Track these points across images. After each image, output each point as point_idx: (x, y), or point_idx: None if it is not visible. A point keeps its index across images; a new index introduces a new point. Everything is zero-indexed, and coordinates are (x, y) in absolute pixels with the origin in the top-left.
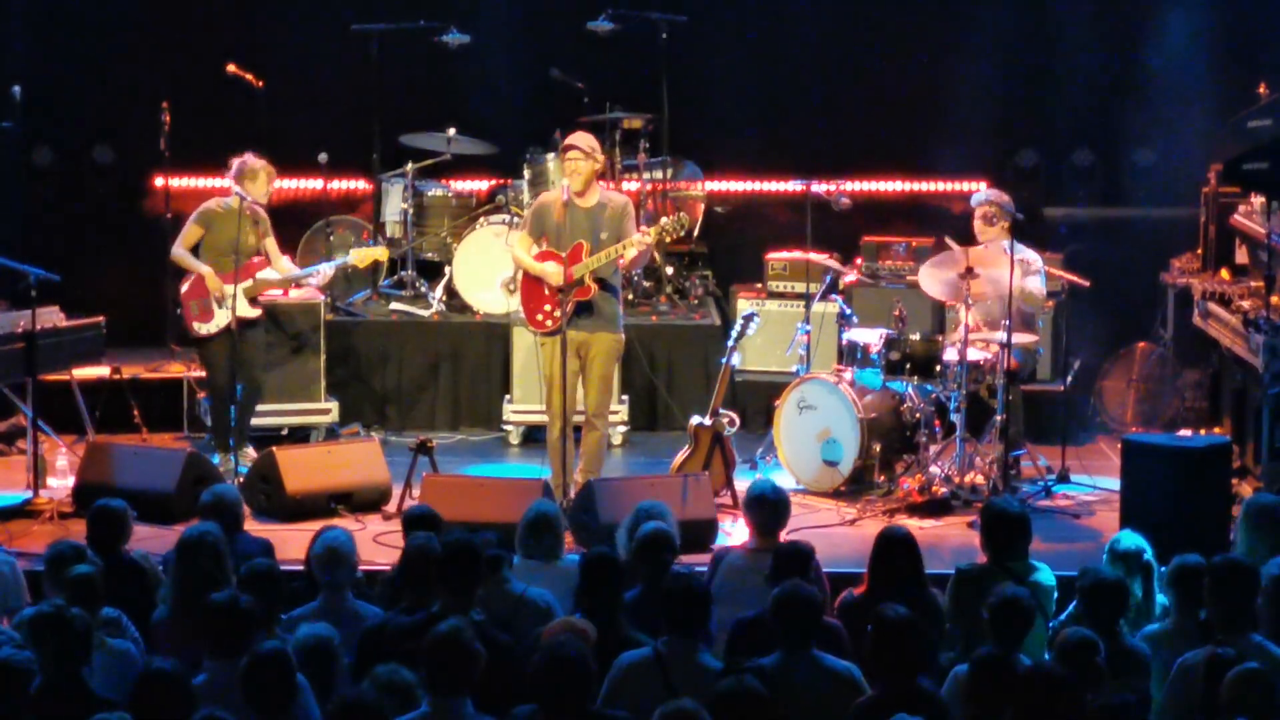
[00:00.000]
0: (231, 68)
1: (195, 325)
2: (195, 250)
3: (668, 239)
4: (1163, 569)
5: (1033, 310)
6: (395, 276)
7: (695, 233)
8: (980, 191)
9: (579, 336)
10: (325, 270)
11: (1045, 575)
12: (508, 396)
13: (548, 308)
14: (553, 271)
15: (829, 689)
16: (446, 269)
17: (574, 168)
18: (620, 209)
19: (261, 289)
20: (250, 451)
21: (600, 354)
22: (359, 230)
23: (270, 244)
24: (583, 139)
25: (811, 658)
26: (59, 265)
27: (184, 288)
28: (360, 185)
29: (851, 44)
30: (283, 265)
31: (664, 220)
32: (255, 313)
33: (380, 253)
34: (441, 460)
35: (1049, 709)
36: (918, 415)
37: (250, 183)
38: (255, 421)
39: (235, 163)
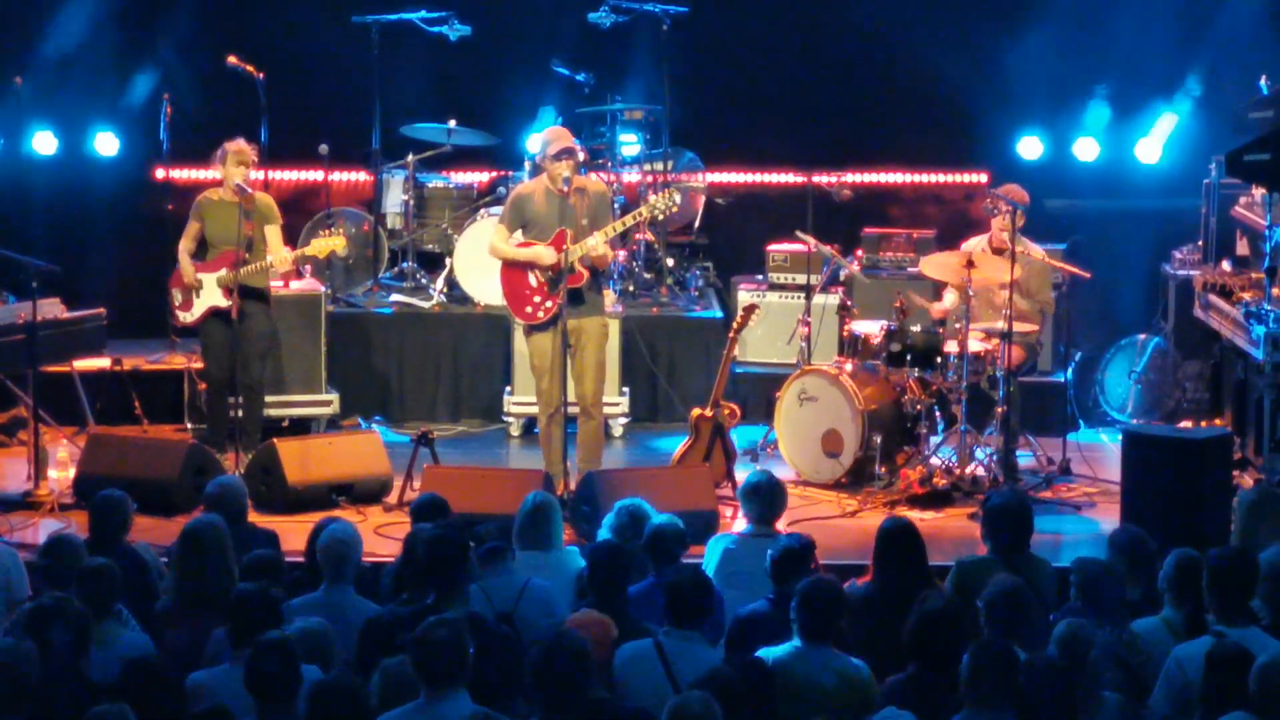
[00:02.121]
0: (232, 59)
1: (178, 313)
2: (201, 243)
3: (660, 216)
4: (1162, 561)
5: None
6: (396, 268)
7: (696, 224)
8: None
9: (569, 324)
10: (284, 257)
11: (1045, 567)
12: (508, 388)
13: (537, 299)
14: (545, 253)
15: (833, 682)
16: (447, 260)
17: (570, 169)
18: (598, 194)
19: (247, 279)
20: None
21: (592, 339)
22: (360, 221)
23: (270, 232)
24: (569, 136)
25: (824, 651)
26: (60, 257)
27: (172, 275)
28: (361, 177)
29: (852, 35)
30: (279, 256)
31: (653, 198)
32: (226, 303)
33: (337, 243)
34: (442, 451)
35: (1047, 699)
36: (918, 407)
37: (220, 167)
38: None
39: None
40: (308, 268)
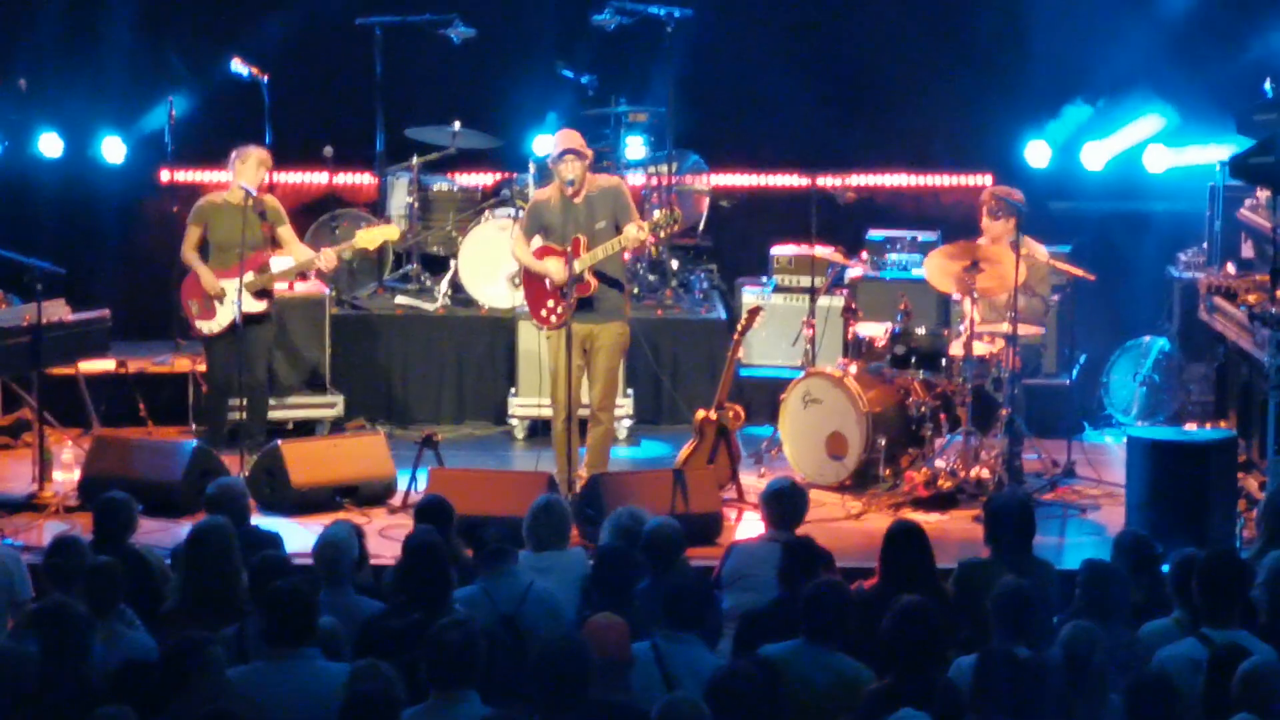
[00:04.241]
0: (237, 61)
1: (199, 324)
2: (204, 248)
3: (662, 234)
4: (1166, 564)
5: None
6: (400, 270)
7: (701, 227)
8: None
9: (583, 329)
10: (327, 254)
11: (1048, 569)
12: (513, 390)
13: (551, 304)
14: (554, 268)
15: (838, 686)
16: (452, 263)
17: (572, 169)
18: (612, 194)
19: (269, 282)
20: None
21: (605, 346)
22: (364, 224)
23: (284, 233)
24: (574, 139)
25: (825, 653)
26: (65, 259)
27: (183, 287)
28: (365, 179)
29: (856, 37)
30: (299, 253)
31: (656, 214)
32: (260, 306)
33: (391, 231)
34: (447, 454)
35: (1051, 701)
36: (923, 409)
37: (240, 166)
38: None
39: (232, 153)
40: (313, 270)
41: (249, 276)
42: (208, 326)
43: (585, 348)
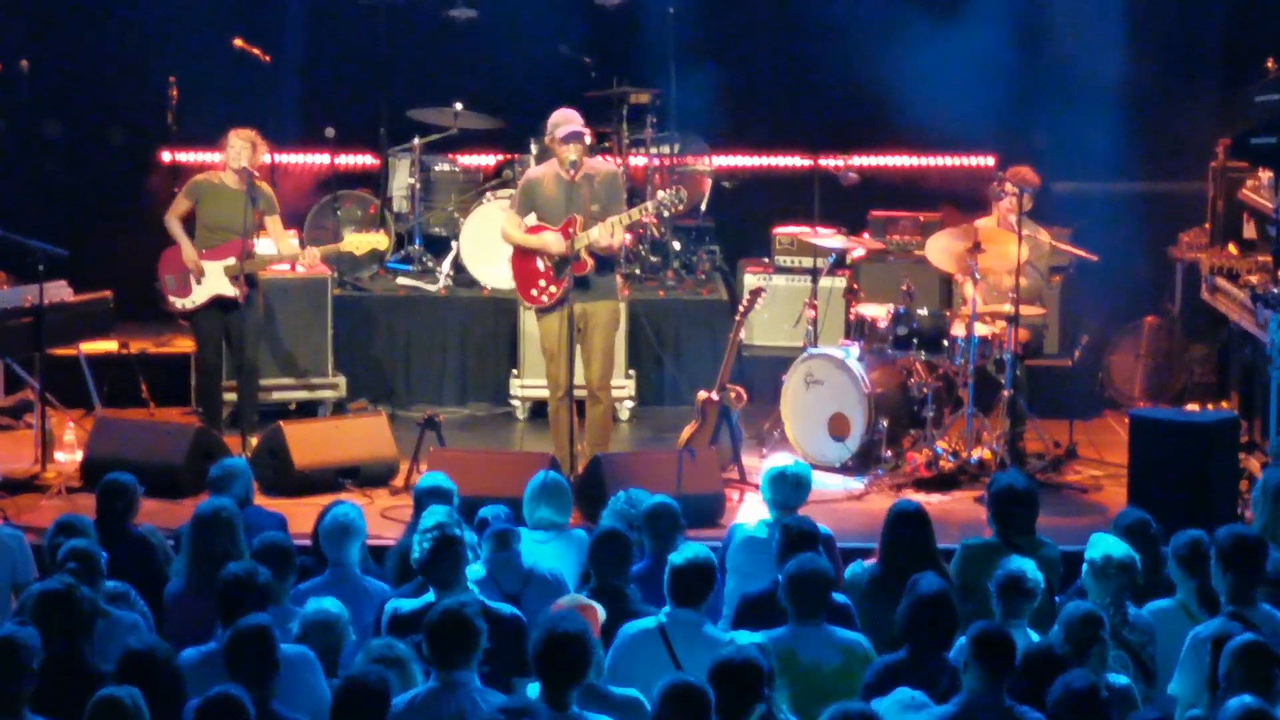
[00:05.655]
0: (239, 42)
1: (171, 299)
2: (190, 222)
3: (665, 214)
4: (1167, 545)
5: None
6: (402, 251)
7: (703, 207)
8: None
9: (577, 309)
10: (312, 253)
11: (1051, 550)
12: (515, 371)
13: (542, 283)
14: (553, 240)
15: (839, 660)
16: (453, 244)
17: (576, 151)
18: (609, 178)
19: (255, 267)
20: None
21: (600, 324)
22: (366, 205)
23: (272, 222)
24: (578, 119)
25: (821, 630)
26: (67, 240)
27: (162, 259)
28: (368, 160)
29: (859, 18)
30: (284, 244)
31: (660, 194)
32: (234, 291)
33: (380, 240)
34: (449, 434)
35: (1050, 683)
36: (925, 390)
37: (230, 152)
38: (262, 396)
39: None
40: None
41: (229, 261)
42: (180, 303)
43: (580, 327)
